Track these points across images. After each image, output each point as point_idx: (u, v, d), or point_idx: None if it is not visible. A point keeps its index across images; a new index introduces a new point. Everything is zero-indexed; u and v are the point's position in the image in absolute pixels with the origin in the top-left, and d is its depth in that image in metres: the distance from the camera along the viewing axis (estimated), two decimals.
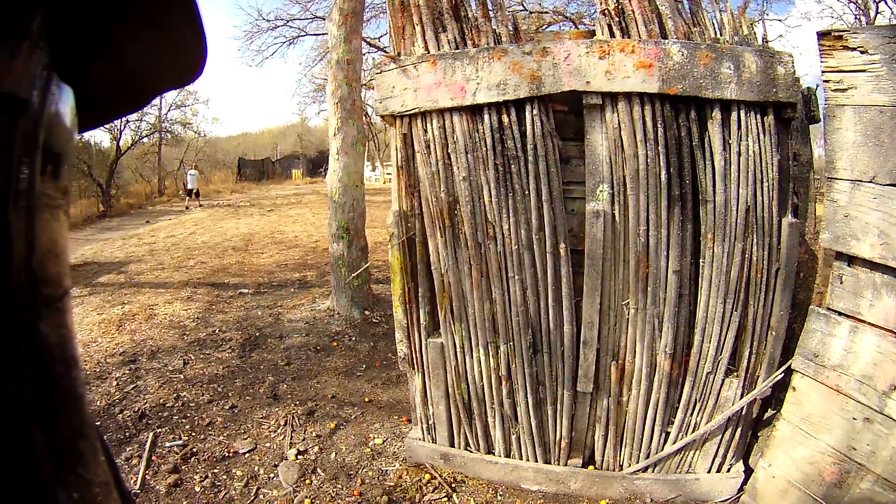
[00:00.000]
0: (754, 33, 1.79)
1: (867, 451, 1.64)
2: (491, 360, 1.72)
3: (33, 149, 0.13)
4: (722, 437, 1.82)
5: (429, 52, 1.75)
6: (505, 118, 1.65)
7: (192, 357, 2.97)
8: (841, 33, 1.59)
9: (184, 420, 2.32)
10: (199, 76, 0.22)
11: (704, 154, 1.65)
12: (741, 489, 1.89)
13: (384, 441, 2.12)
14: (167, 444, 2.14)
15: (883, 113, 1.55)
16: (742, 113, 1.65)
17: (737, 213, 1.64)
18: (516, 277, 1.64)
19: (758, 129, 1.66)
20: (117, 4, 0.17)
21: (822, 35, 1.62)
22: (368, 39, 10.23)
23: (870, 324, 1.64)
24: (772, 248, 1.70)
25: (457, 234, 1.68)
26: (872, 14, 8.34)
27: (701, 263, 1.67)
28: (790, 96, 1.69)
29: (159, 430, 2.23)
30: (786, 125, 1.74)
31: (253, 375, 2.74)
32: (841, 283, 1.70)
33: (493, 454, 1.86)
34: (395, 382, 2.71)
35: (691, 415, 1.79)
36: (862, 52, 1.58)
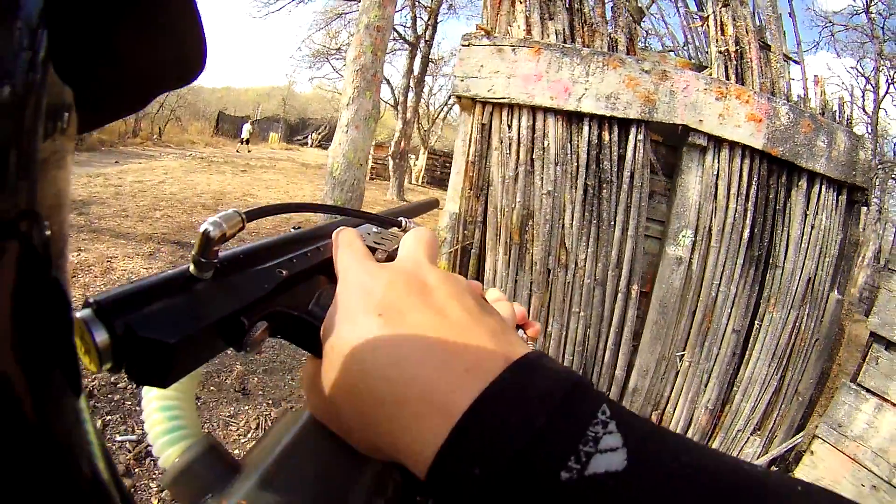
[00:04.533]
0: (843, 111, 1.77)
1: None
2: None
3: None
4: None
5: (531, 37, 1.50)
6: (606, 135, 1.46)
7: None
8: None
9: (138, 407, 1.89)
10: (199, 76, 0.20)
11: (784, 219, 1.61)
12: None
13: None
14: (118, 439, 1.72)
15: None
16: (823, 187, 1.62)
17: (798, 282, 1.62)
18: (581, 314, 1.48)
19: (832, 206, 1.65)
20: (119, 5, 0.16)
21: None
22: None
23: (893, 404, 1.74)
24: (818, 320, 1.72)
25: (523, 255, 1.48)
26: (882, 92, 9.13)
27: (757, 325, 1.63)
28: (864, 181, 1.69)
29: (109, 417, 1.80)
30: (851, 207, 1.75)
31: (219, 362, 2.33)
32: (877, 364, 1.77)
33: None
34: None
35: None
36: None
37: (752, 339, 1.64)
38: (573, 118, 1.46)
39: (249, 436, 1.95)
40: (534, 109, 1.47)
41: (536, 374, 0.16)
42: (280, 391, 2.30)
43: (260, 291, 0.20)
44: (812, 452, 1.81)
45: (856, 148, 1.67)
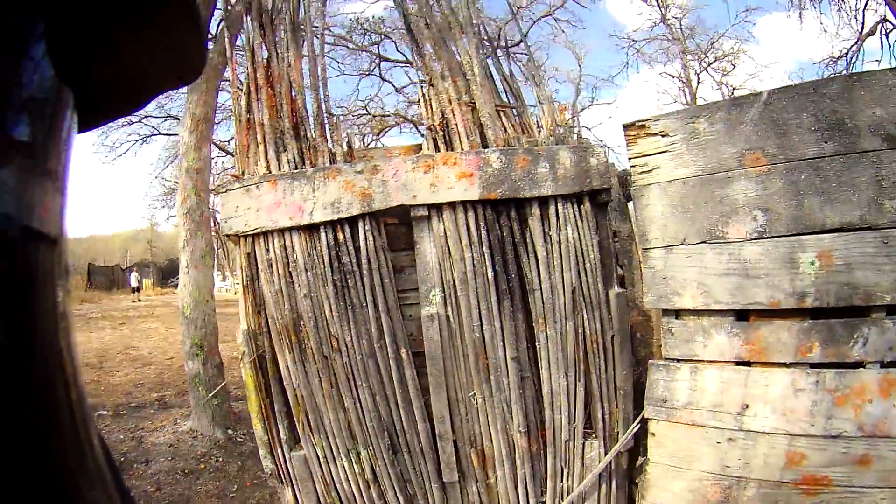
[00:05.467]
0: (570, 130, 2.00)
1: (740, 464, 1.83)
2: (355, 465, 1.76)
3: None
4: (599, 493, 1.94)
5: (270, 172, 1.83)
6: (340, 235, 1.74)
7: None
8: (643, 122, 1.81)
9: None
10: (199, 76, 0.23)
11: (527, 248, 1.81)
12: None
13: None
14: None
15: (686, 184, 1.77)
16: (559, 205, 1.83)
17: (563, 295, 1.80)
18: (364, 385, 1.71)
19: (575, 216, 1.84)
20: (118, 5, 0.17)
21: (626, 126, 1.84)
22: (218, 143, 9.88)
23: (708, 361, 1.84)
24: (604, 319, 1.86)
25: (304, 349, 1.74)
26: (694, 84, 10.01)
27: (537, 346, 1.80)
28: (603, 183, 1.88)
29: None
30: (603, 207, 1.94)
31: None
32: (672, 334, 1.89)
33: None
34: (270, 501, 2.71)
35: (562, 481, 1.90)
36: (663, 136, 1.80)
37: (539, 359, 1.81)
38: (312, 229, 1.75)
39: None
40: (281, 231, 1.77)
41: None
42: None
43: None
44: (653, 434, 1.92)
45: (585, 158, 1.87)
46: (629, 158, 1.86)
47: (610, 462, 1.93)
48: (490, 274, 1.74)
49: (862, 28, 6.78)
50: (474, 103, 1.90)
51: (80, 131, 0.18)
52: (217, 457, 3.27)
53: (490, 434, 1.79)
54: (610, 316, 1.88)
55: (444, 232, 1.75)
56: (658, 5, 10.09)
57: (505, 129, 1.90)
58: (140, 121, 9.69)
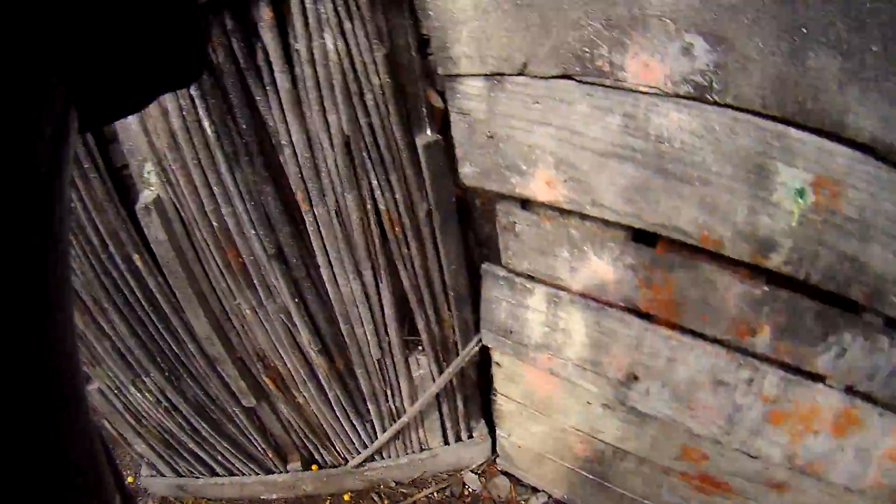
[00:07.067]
0: None
1: (618, 436, 1.25)
2: (147, 394, 1.52)
3: None
4: (441, 411, 1.52)
5: None
6: None
7: None
8: None
9: None
10: (199, 78, 0.24)
11: (262, 78, 1.13)
12: (495, 450, 1.64)
13: (134, 483, 2.06)
14: None
15: None
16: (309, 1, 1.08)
17: (333, 150, 1.16)
18: (109, 307, 1.36)
19: (340, 16, 1.06)
20: (121, 9, 0.17)
21: None
22: None
23: (577, 293, 1.10)
24: (410, 186, 1.21)
25: None
26: None
27: (304, 230, 1.25)
28: None
29: None
30: (398, 2, 1.13)
31: None
32: (516, 237, 1.15)
33: (218, 475, 1.75)
34: None
35: (387, 402, 1.49)
36: None
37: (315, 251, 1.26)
38: None
39: None
40: None
41: None
42: None
43: None
44: (499, 365, 1.36)
45: None
46: None
47: (449, 381, 1.43)
48: (209, 130, 1.14)
49: None
50: None
51: (81, 131, 0.17)
52: None
53: (278, 351, 1.39)
54: (421, 179, 1.20)
55: None
56: None
57: None
58: None
